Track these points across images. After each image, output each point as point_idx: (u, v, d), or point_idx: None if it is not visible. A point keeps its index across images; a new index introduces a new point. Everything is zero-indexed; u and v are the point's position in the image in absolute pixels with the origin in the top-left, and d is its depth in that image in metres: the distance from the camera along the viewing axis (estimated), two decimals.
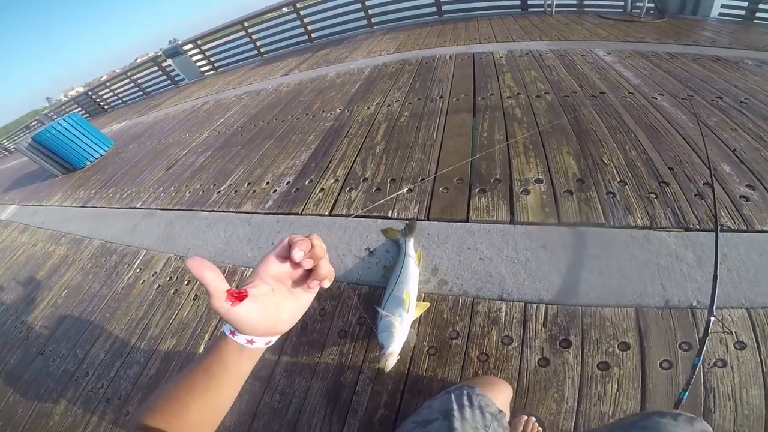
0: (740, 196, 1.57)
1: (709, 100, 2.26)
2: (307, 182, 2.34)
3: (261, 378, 1.51)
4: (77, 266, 2.71)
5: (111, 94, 11.16)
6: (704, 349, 1.19)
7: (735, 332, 1.27)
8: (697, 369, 1.18)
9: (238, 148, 3.28)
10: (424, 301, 1.50)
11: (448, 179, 1.93)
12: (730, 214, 1.50)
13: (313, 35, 7.49)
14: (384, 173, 2.16)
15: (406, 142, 2.34)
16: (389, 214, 1.87)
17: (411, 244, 1.66)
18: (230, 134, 3.75)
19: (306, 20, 7.30)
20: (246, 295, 0.51)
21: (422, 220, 1.79)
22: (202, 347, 1.73)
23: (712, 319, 1.23)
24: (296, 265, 0.53)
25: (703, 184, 1.65)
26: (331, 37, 7.27)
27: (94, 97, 11.36)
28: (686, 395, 1.16)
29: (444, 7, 6.33)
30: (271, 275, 0.54)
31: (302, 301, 0.56)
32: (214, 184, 2.79)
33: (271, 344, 0.58)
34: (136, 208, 3.08)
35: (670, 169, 1.73)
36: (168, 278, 2.19)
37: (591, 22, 4.55)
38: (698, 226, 1.49)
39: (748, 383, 1.21)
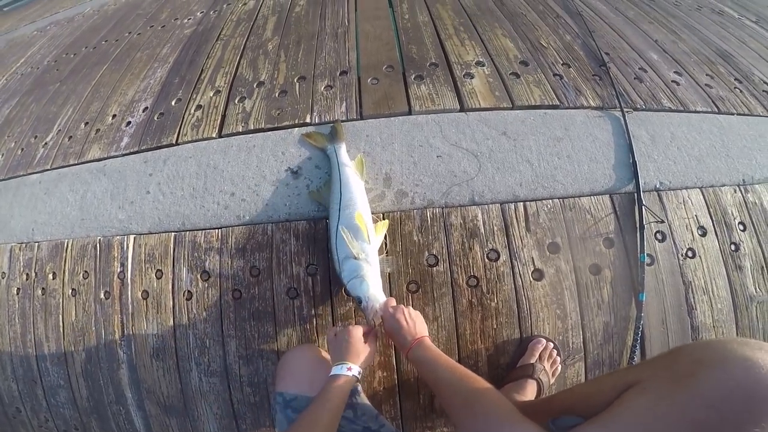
0: (672, 81, 1.55)
1: None
2: (173, 102, 1.71)
3: (216, 374, 1.26)
4: None
5: None
6: (645, 244, 1.15)
7: (696, 216, 1.25)
8: (646, 266, 1.14)
9: (57, 85, 2.33)
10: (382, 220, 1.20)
11: (375, 68, 1.55)
12: (667, 96, 1.48)
13: None
14: (287, 72, 1.66)
15: (310, 33, 1.85)
16: (307, 120, 1.43)
17: (343, 151, 1.29)
18: (40, 72, 2.68)
19: None
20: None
21: (355, 119, 1.40)
22: (120, 353, 1.37)
23: (643, 208, 1.18)
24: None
25: (639, 68, 1.60)
26: None
27: None
28: (644, 297, 1.12)
29: None
30: None
31: None
32: (36, 136, 1.95)
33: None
34: None
35: (606, 53, 1.64)
36: (24, 276, 1.55)
37: None
38: (644, 107, 1.43)
39: (714, 273, 1.21)
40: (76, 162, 1.67)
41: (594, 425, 0.61)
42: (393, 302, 1.03)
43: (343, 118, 1.42)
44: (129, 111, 1.80)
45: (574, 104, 1.41)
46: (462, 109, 1.38)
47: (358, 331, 0.98)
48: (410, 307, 1.03)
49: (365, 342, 0.98)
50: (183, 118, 1.61)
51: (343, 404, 0.88)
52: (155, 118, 1.68)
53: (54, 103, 2.17)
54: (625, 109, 1.37)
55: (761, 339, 1.20)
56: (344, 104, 1.46)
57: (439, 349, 0.95)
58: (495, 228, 1.18)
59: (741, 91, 1.56)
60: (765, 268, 1.24)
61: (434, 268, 1.17)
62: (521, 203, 1.20)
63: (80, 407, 1.46)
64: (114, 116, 1.81)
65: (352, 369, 0.92)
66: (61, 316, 1.46)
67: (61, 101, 2.15)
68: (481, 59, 1.54)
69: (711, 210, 1.26)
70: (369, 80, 1.52)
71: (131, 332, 1.35)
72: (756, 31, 2.08)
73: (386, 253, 1.18)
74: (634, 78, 1.54)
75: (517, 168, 1.26)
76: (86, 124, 1.85)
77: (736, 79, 1.63)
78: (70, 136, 1.82)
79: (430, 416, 1.18)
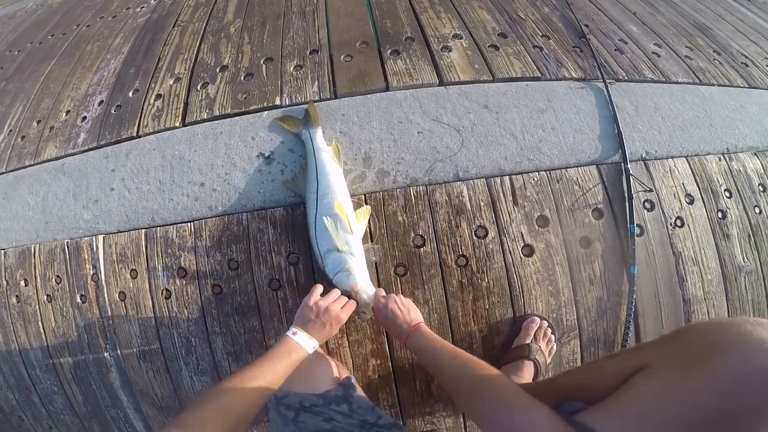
0: (652, 53, 1.53)
1: None
2: (130, 93, 1.60)
3: (207, 372, 1.23)
4: None
5: None
6: (634, 214, 1.12)
7: (683, 184, 1.23)
8: (635, 237, 1.12)
9: (3, 84, 2.17)
10: (365, 204, 1.14)
11: (348, 45, 1.47)
12: (649, 67, 1.46)
13: None
14: (252, 54, 1.56)
15: (276, 13, 1.76)
16: (277, 102, 1.35)
17: (319, 136, 1.21)
18: None
19: None
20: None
21: (329, 99, 1.33)
22: (107, 356, 1.31)
23: (631, 178, 1.15)
24: None
25: (619, 40, 1.57)
26: None
27: None
28: (635, 269, 1.09)
29: None
30: None
31: None
32: None
33: None
34: None
35: (585, 25, 1.61)
36: None
37: None
38: (626, 78, 1.41)
39: (703, 242, 1.20)
40: (33, 162, 1.56)
41: (600, 411, 0.56)
42: (382, 292, 1.00)
43: (316, 98, 1.34)
44: (83, 105, 1.68)
45: (555, 76, 1.37)
46: (441, 83, 1.33)
47: (344, 317, 0.95)
48: (400, 295, 0.99)
49: None
50: (142, 108, 1.51)
51: (287, 374, 0.86)
52: (112, 111, 1.57)
53: (1, 102, 2.02)
54: (607, 80, 1.34)
55: (750, 310, 1.21)
56: (316, 83, 1.37)
57: (436, 334, 0.92)
58: (482, 203, 1.13)
59: (720, 63, 1.56)
60: (751, 236, 1.24)
61: (421, 249, 1.12)
62: (507, 177, 1.16)
63: (79, 413, 1.43)
64: (68, 112, 1.69)
65: (315, 350, 0.92)
66: (40, 323, 1.39)
67: (9, 100, 2.00)
68: (458, 32, 1.48)
69: (697, 178, 1.24)
70: (342, 58, 1.44)
71: (114, 335, 1.29)
72: (730, 5, 2.09)
73: (371, 240, 1.12)
74: (615, 49, 1.51)
75: (501, 141, 1.21)
76: (39, 122, 1.72)
77: (714, 51, 1.62)
78: (23, 136, 1.70)
79: (428, 401, 1.17)
